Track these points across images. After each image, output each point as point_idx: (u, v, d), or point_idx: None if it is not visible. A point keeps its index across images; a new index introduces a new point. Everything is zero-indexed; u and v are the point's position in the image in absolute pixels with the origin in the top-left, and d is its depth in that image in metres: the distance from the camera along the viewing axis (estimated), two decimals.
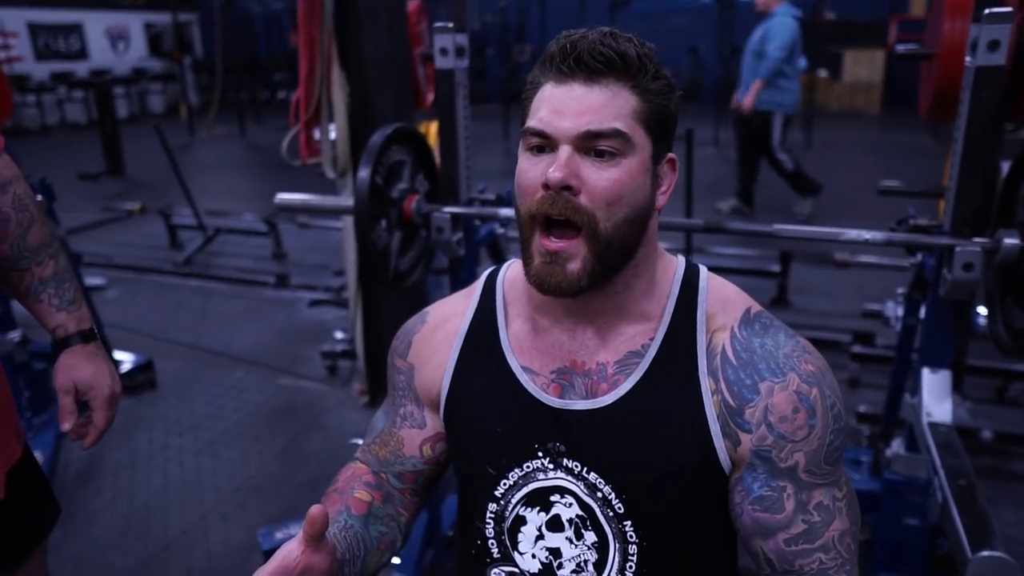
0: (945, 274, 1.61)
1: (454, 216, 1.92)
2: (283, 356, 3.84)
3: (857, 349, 3.48)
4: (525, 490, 0.91)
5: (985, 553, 1.21)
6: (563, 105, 0.80)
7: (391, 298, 3.12)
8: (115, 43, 15.79)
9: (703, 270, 0.93)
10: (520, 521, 0.92)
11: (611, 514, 0.87)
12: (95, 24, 15.25)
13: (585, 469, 0.87)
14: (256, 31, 15.85)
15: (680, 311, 0.88)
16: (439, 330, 0.99)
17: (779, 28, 5.61)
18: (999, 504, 2.52)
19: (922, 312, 2.16)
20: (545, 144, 0.81)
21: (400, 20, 2.88)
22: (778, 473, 0.82)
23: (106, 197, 7.38)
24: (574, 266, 0.81)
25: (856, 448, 2.41)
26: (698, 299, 0.89)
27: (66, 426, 1.23)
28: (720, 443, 0.84)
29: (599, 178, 0.80)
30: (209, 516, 2.56)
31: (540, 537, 0.91)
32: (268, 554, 2.28)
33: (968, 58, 1.54)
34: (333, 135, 2.79)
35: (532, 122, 0.82)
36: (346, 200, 1.95)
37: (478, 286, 1.01)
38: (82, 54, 15.08)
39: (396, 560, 2.02)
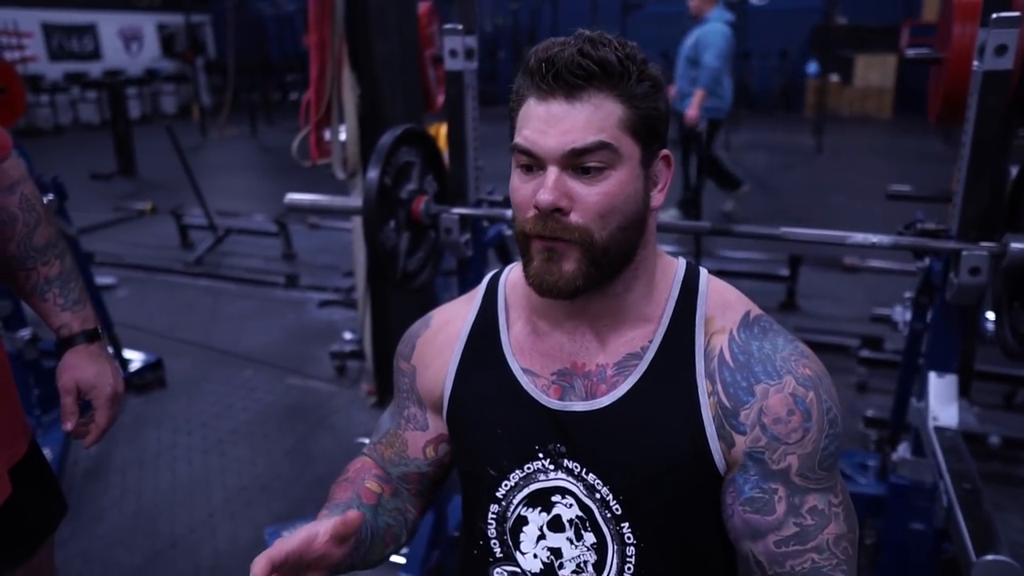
0: (952, 278, 1.60)
1: (462, 217, 1.93)
2: (292, 356, 3.86)
3: (865, 353, 3.47)
4: (526, 491, 0.91)
5: (989, 557, 1.21)
6: (546, 124, 0.79)
7: (399, 299, 3.13)
8: (128, 44, 15.90)
9: (703, 272, 0.93)
10: (522, 521, 0.92)
11: (609, 515, 0.88)
12: (109, 25, 15.36)
13: (584, 470, 0.88)
14: (268, 32, 15.93)
15: (679, 313, 0.88)
16: (441, 333, 1.00)
17: (713, 36, 5.48)
18: (1006, 510, 2.51)
19: (929, 316, 2.15)
20: (532, 163, 0.81)
21: (411, 22, 2.90)
22: (770, 475, 0.82)
23: (118, 197, 7.44)
24: (569, 266, 0.82)
25: (863, 452, 2.41)
26: (697, 302, 0.89)
27: (68, 426, 1.24)
28: (715, 445, 0.84)
29: (589, 194, 0.80)
30: (216, 514, 2.58)
31: (541, 537, 0.91)
32: None
33: (976, 62, 1.54)
34: (343, 136, 2.80)
35: (518, 139, 0.82)
36: (355, 201, 1.96)
37: (480, 290, 1.01)
38: (95, 55, 15.19)
39: (401, 560, 2.04)
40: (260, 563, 0.72)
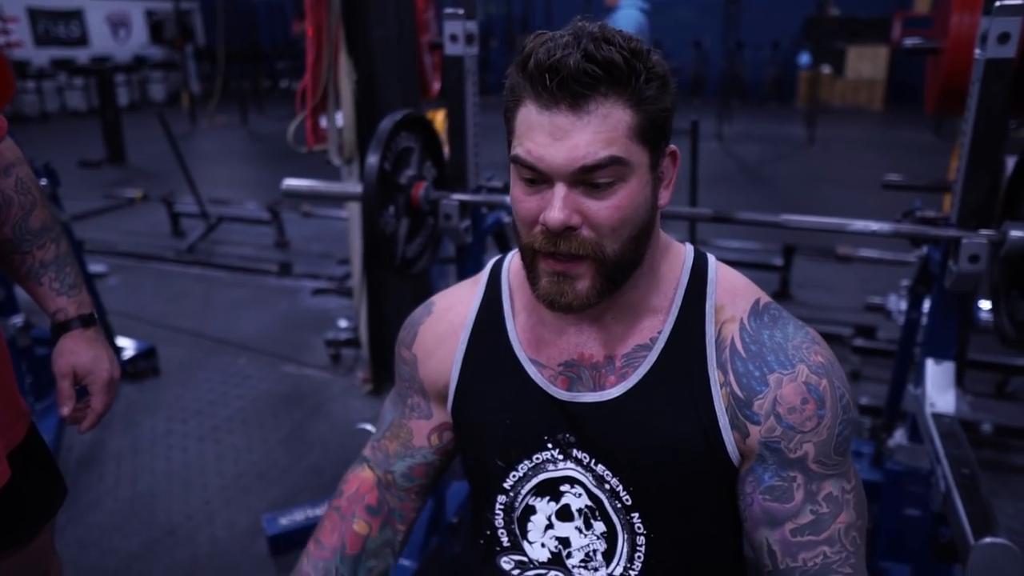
0: (951, 266, 1.61)
1: (462, 203, 1.92)
2: (286, 344, 3.85)
3: (859, 342, 3.49)
4: (535, 481, 0.91)
5: (988, 540, 1.22)
6: (551, 137, 0.74)
7: (396, 286, 3.12)
8: (116, 30, 15.74)
9: (712, 260, 0.92)
10: (530, 511, 0.92)
11: (619, 506, 0.87)
12: (96, 10, 15.19)
13: (593, 461, 0.88)
14: (258, 19, 15.80)
15: (688, 303, 0.87)
16: (444, 320, 0.99)
17: (624, 22, 5.24)
18: (998, 496, 2.53)
19: (925, 305, 2.17)
20: (537, 177, 0.77)
21: (408, 7, 2.88)
22: (788, 464, 0.82)
23: (107, 184, 7.38)
24: (583, 285, 0.80)
25: (858, 440, 2.43)
26: (707, 290, 0.88)
27: (64, 411, 1.23)
28: (729, 435, 0.83)
29: (600, 208, 0.77)
30: (213, 502, 2.57)
31: (550, 526, 0.91)
32: (273, 539, 2.29)
33: (978, 51, 1.54)
34: (340, 122, 2.79)
35: (520, 152, 0.77)
36: (354, 186, 1.95)
37: (483, 276, 1.00)
38: (82, 40, 15.02)
39: None
40: None
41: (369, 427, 1.61)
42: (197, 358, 3.71)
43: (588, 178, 0.75)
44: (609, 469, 0.87)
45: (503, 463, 0.92)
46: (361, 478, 1.03)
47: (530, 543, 0.93)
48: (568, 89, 0.73)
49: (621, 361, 0.87)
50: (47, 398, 2.90)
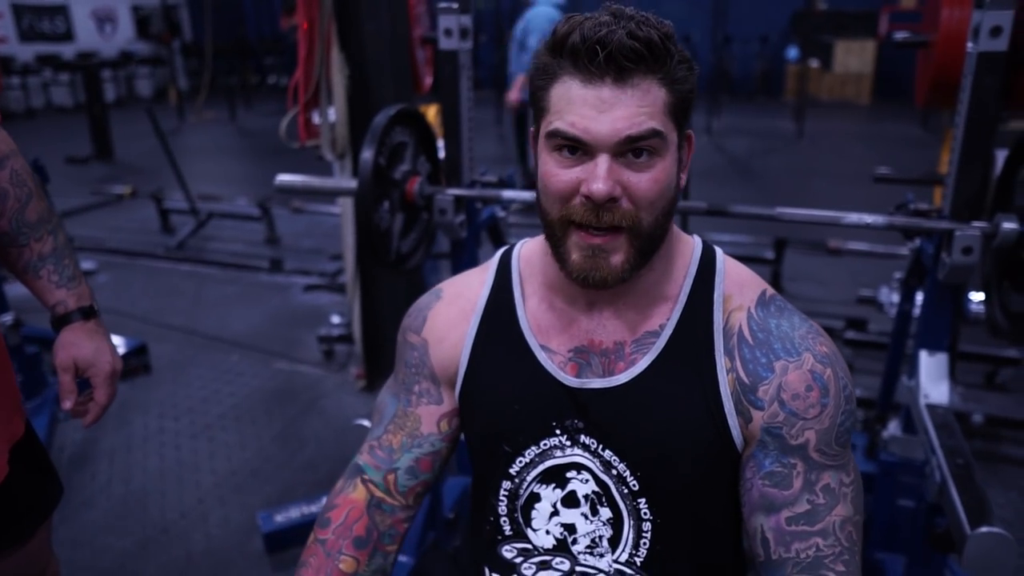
0: (944, 258, 1.62)
1: (457, 198, 1.92)
2: (278, 340, 3.84)
3: (851, 335, 3.51)
4: (541, 467, 0.91)
5: (984, 529, 1.24)
6: (595, 110, 0.76)
7: (389, 282, 3.12)
8: (102, 25, 15.59)
9: (719, 252, 0.94)
10: (534, 498, 0.92)
11: (626, 491, 0.88)
12: (81, 5, 15.03)
13: (601, 446, 0.88)
14: (246, 14, 15.69)
15: (697, 291, 0.89)
16: (453, 305, 0.99)
17: (539, 20, 5.33)
18: (989, 486, 2.54)
19: (918, 297, 2.18)
20: (578, 147, 0.79)
21: (400, 2, 2.87)
22: (789, 450, 0.83)
23: (95, 181, 7.33)
24: (618, 259, 0.81)
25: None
26: (715, 280, 0.90)
27: (67, 404, 1.22)
28: (733, 420, 0.85)
29: (640, 180, 0.79)
30: (207, 499, 2.56)
31: (555, 513, 0.92)
32: (268, 536, 2.29)
33: (970, 44, 1.55)
34: (332, 117, 2.78)
35: (562, 126, 0.78)
36: (348, 182, 1.95)
37: (493, 263, 1.00)
38: (68, 36, 14.87)
39: None
40: None
41: (365, 423, 1.61)
42: (189, 355, 3.69)
43: (628, 149, 0.78)
44: (616, 454, 0.88)
45: (510, 448, 0.92)
46: (351, 501, 0.98)
47: (534, 531, 0.93)
48: (615, 63, 0.75)
49: (631, 347, 0.88)
50: (38, 396, 2.88)
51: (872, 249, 4.09)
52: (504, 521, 0.95)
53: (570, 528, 0.91)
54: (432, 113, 3.25)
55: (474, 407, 0.96)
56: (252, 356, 3.67)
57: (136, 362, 3.47)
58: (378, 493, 0.98)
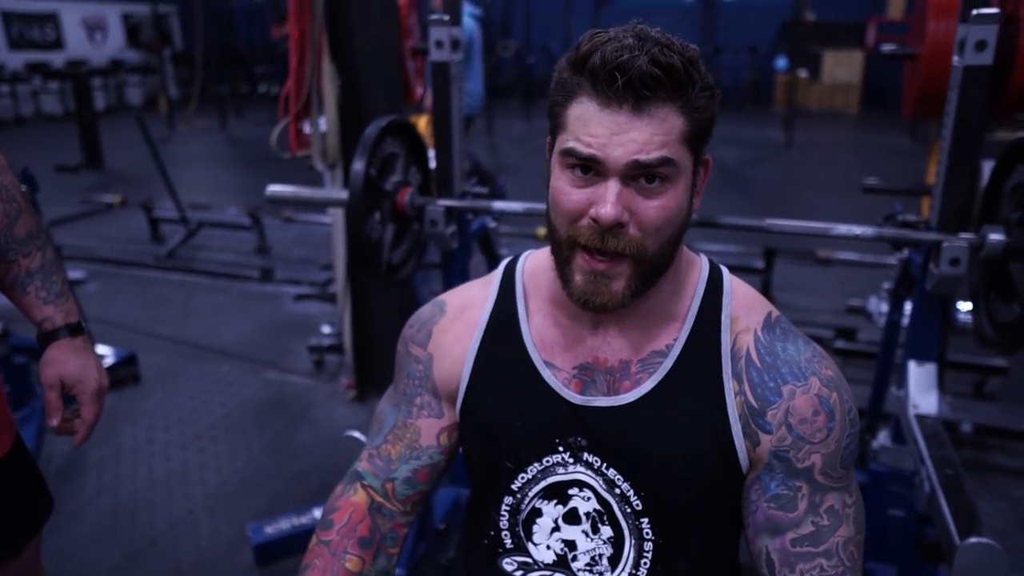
0: (932, 269, 1.64)
1: (448, 209, 1.92)
2: (269, 350, 3.82)
3: (840, 344, 3.53)
4: (543, 483, 0.91)
5: (973, 540, 1.24)
6: (610, 133, 0.76)
7: (380, 293, 3.11)
8: (92, 33, 15.56)
9: (725, 272, 0.94)
10: (536, 513, 0.92)
11: (628, 510, 0.88)
12: (71, 13, 15.01)
13: (604, 465, 0.88)
14: (237, 23, 15.70)
15: (704, 312, 0.89)
16: (459, 320, 0.98)
17: None
18: (978, 496, 2.56)
19: (907, 307, 2.20)
20: (591, 167, 0.79)
21: (391, 13, 2.88)
22: (795, 473, 0.84)
23: (85, 190, 7.30)
24: (619, 285, 0.82)
25: None
26: (723, 301, 0.90)
27: (54, 422, 1.21)
28: (740, 443, 0.85)
29: (648, 207, 0.79)
30: (197, 511, 2.55)
31: (556, 529, 0.91)
32: (258, 548, 2.28)
33: (956, 58, 1.57)
34: (323, 127, 2.78)
35: (577, 145, 0.78)
36: (340, 192, 1.95)
37: (497, 276, 1.00)
38: (58, 44, 14.84)
39: None
40: None
41: (356, 434, 1.60)
42: (178, 365, 3.67)
43: (640, 175, 0.78)
44: (620, 473, 0.87)
45: (512, 464, 0.92)
46: (353, 504, 0.99)
47: (535, 545, 0.93)
48: (633, 91, 0.75)
49: (636, 367, 0.88)
50: (26, 407, 2.86)
51: (861, 259, 4.12)
52: (505, 535, 0.95)
53: (571, 545, 0.91)
54: (423, 123, 3.26)
55: (476, 422, 0.96)
56: (242, 366, 3.65)
57: (125, 372, 3.45)
58: (378, 498, 0.99)
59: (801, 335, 0.89)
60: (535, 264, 0.98)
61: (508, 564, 0.95)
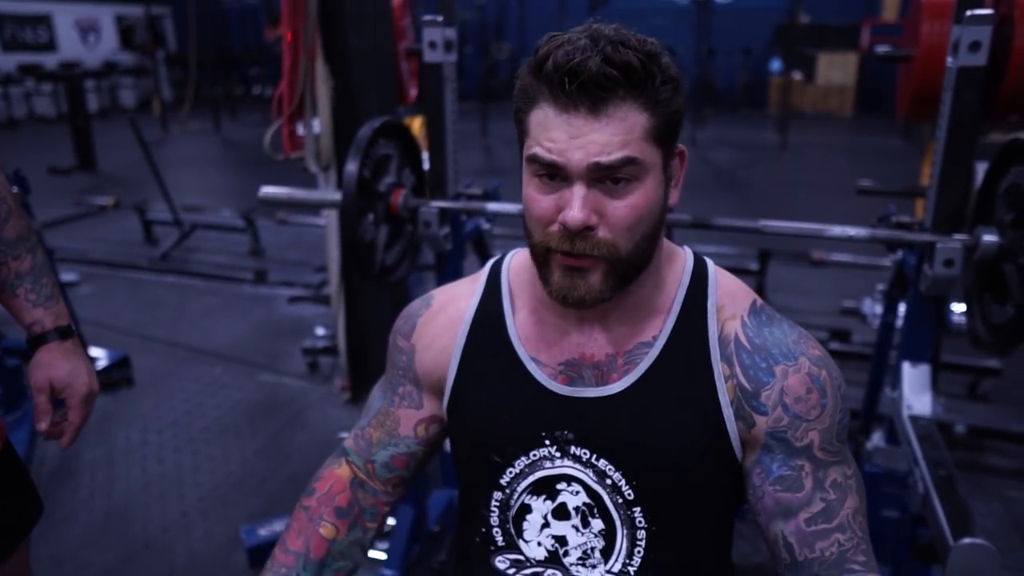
0: (926, 270, 1.64)
1: (441, 211, 1.92)
2: (263, 352, 3.81)
3: (835, 346, 3.54)
4: (531, 478, 0.91)
5: (967, 540, 1.24)
6: (568, 137, 0.76)
7: (374, 294, 3.11)
8: (85, 35, 15.52)
9: (710, 263, 0.94)
10: (526, 509, 0.92)
11: (620, 500, 0.88)
12: (64, 15, 14.97)
13: (594, 456, 0.88)
14: (231, 25, 15.68)
15: (690, 302, 0.90)
16: (443, 313, 0.99)
17: None
18: (971, 496, 2.57)
19: (901, 309, 2.20)
20: (555, 173, 0.78)
21: (385, 14, 2.87)
22: (795, 452, 0.84)
23: (77, 192, 7.28)
24: (595, 279, 0.81)
25: None
26: (708, 291, 0.90)
27: (43, 426, 1.20)
28: (733, 426, 0.85)
29: (616, 208, 0.78)
30: (190, 513, 2.53)
31: (546, 525, 0.92)
32: (252, 551, 2.27)
33: (950, 59, 1.57)
34: (317, 129, 2.77)
35: (538, 151, 0.78)
36: (333, 194, 1.94)
37: (483, 274, 1.00)
38: (51, 46, 14.80)
39: (382, 556, 2.02)
40: None
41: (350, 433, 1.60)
42: (172, 367, 3.65)
43: (605, 176, 0.77)
44: (612, 463, 0.88)
45: (500, 459, 0.92)
46: (335, 476, 1.03)
47: (526, 542, 0.93)
48: (587, 93, 0.74)
49: (623, 358, 0.88)
50: (17, 410, 2.84)
51: (855, 261, 4.13)
52: (496, 531, 0.95)
53: (561, 540, 0.91)
54: (417, 125, 3.25)
55: (462, 417, 0.96)
56: (236, 368, 3.64)
57: (119, 374, 3.44)
58: (360, 475, 1.03)
59: (786, 320, 0.90)
60: (520, 263, 0.98)
61: (500, 562, 0.95)
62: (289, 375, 3.56)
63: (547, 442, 0.90)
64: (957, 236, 1.60)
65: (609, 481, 0.88)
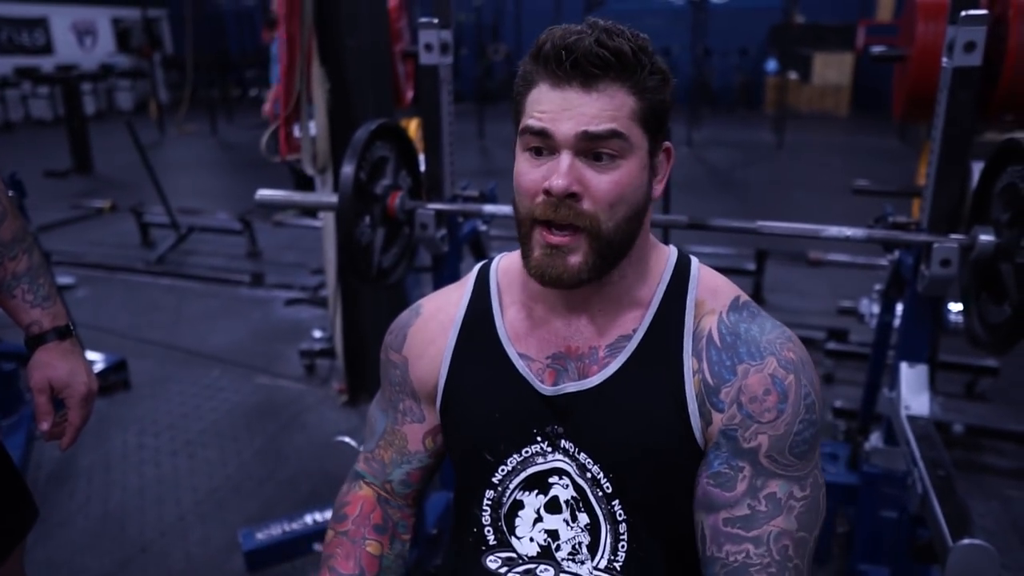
0: (923, 270, 1.64)
1: (438, 213, 1.91)
2: (260, 355, 3.81)
3: (832, 346, 3.54)
4: (523, 475, 0.92)
5: (966, 541, 1.24)
6: (560, 109, 0.79)
7: (371, 296, 3.10)
8: (82, 38, 15.50)
9: (694, 261, 0.95)
10: (518, 505, 0.93)
11: (600, 494, 0.89)
12: (61, 18, 14.95)
13: (576, 449, 0.89)
14: (227, 28, 15.66)
15: (670, 296, 0.90)
16: (432, 320, 1.00)
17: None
18: (970, 496, 2.57)
19: (898, 309, 2.20)
20: (543, 146, 0.81)
21: (381, 16, 2.87)
22: (739, 453, 0.84)
23: (74, 195, 7.27)
24: (575, 259, 0.83)
25: (833, 442, 2.45)
26: (688, 286, 0.91)
27: (44, 426, 1.20)
28: (696, 422, 0.85)
29: (600, 181, 0.80)
30: (187, 517, 2.53)
31: (539, 520, 0.92)
32: (249, 555, 2.26)
33: (945, 59, 1.57)
34: (313, 131, 2.77)
35: (530, 121, 0.81)
36: (329, 196, 1.94)
37: (471, 277, 1.01)
38: (47, 49, 14.77)
39: None
40: None
41: (348, 440, 1.60)
42: (169, 371, 3.65)
43: (591, 147, 0.80)
44: (591, 457, 0.88)
45: (492, 457, 0.93)
46: (362, 497, 1.04)
47: (518, 538, 0.93)
48: (580, 68, 0.78)
49: (604, 351, 0.89)
50: (14, 414, 2.83)
51: (852, 260, 4.13)
52: (488, 530, 0.95)
53: (553, 534, 0.92)
54: (413, 126, 3.25)
55: (455, 419, 0.97)
56: (233, 371, 3.64)
57: (115, 378, 3.43)
58: (382, 494, 1.05)
59: (771, 318, 0.90)
60: (509, 263, 1.00)
61: (492, 561, 0.95)
62: (286, 378, 3.55)
63: (538, 438, 0.91)
64: (954, 236, 1.59)
65: (589, 475, 0.89)
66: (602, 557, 0.90)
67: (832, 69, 13.37)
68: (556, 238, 0.82)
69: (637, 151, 0.82)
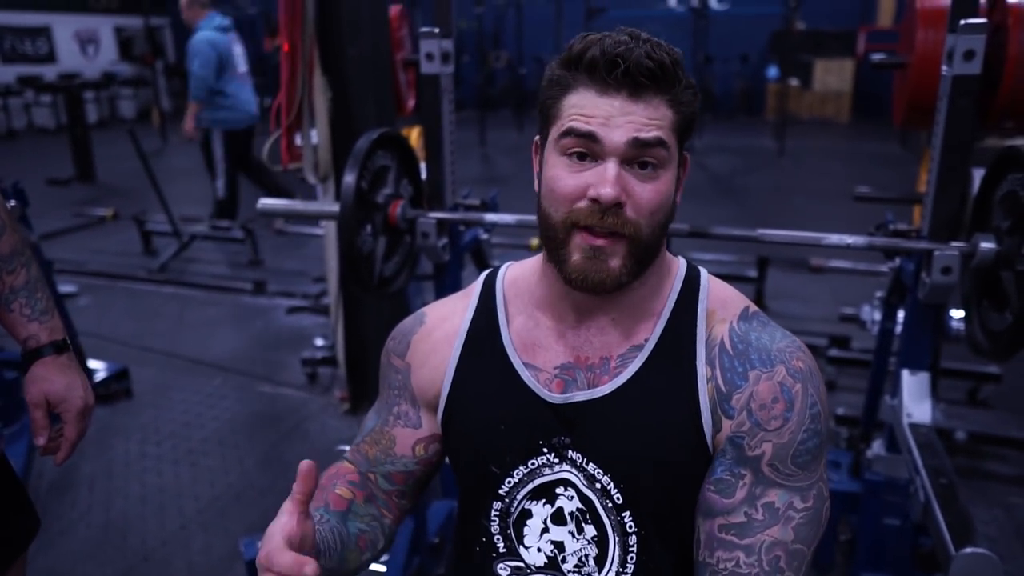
0: (924, 278, 1.64)
1: (440, 222, 1.92)
2: (262, 363, 3.81)
3: (834, 353, 3.53)
4: (531, 486, 0.92)
5: (968, 550, 1.24)
6: (607, 116, 0.80)
7: (373, 305, 3.10)
8: (85, 47, 15.54)
9: (703, 271, 0.96)
10: (526, 515, 0.93)
11: (610, 505, 0.88)
12: (64, 27, 14.99)
13: (585, 460, 0.89)
14: None
15: (681, 306, 0.91)
16: (437, 330, 1.00)
17: (199, 44, 5.22)
18: (973, 503, 2.56)
19: (899, 316, 2.20)
20: (587, 151, 0.82)
21: (382, 25, 2.88)
22: (743, 460, 0.84)
23: (77, 203, 7.28)
24: (616, 263, 0.83)
25: (835, 450, 2.45)
26: (699, 296, 0.92)
27: (41, 441, 1.20)
28: (708, 428, 0.86)
29: (644, 191, 0.82)
30: (189, 526, 2.53)
31: (545, 530, 0.92)
32: (251, 563, 2.25)
33: (944, 67, 1.58)
34: (315, 140, 2.78)
35: (576, 123, 0.81)
36: (331, 205, 1.94)
37: (477, 286, 1.01)
38: (50, 57, 14.82)
39: (382, 568, 2.01)
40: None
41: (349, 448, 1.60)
42: (171, 379, 3.65)
43: (637, 155, 0.81)
44: (600, 467, 0.88)
45: (498, 469, 0.92)
46: (340, 466, 1.04)
47: (526, 548, 0.93)
48: (631, 78, 0.80)
49: (616, 361, 0.89)
50: (16, 423, 2.83)
51: (854, 267, 4.13)
52: (497, 539, 0.95)
53: (559, 546, 0.91)
54: (415, 135, 3.26)
55: (458, 429, 0.96)
56: (235, 379, 3.64)
57: (117, 386, 3.43)
58: (365, 477, 1.04)
59: (780, 328, 0.91)
60: (516, 272, 1.00)
61: (502, 569, 0.95)
62: (288, 386, 3.55)
63: (545, 450, 0.90)
64: (954, 244, 1.60)
65: (599, 485, 0.88)
66: (610, 569, 0.89)
67: (833, 75, 13.38)
68: (600, 241, 0.82)
69: (673, 161, 0.84)
